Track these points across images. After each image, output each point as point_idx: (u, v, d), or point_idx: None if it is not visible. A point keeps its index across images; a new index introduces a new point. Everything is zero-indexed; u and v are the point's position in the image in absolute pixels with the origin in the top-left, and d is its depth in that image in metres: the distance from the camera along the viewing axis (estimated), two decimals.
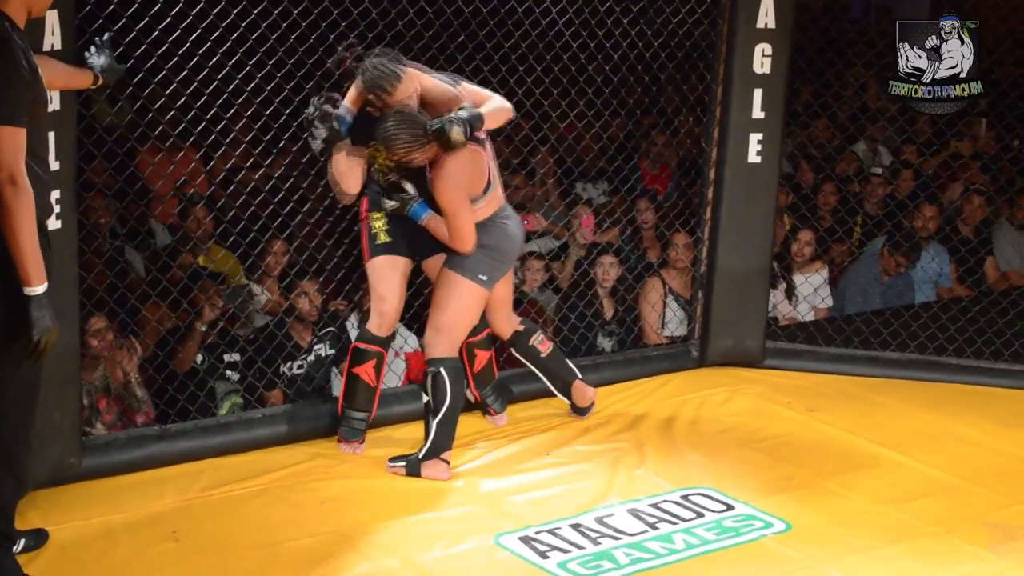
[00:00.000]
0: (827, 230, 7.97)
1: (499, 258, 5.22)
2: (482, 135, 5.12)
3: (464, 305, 5.19)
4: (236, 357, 6.16)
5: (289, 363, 6.19)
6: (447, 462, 5.15)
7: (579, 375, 5.85)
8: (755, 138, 6.36)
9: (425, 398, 5.17)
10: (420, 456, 5.13)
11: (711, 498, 5.04)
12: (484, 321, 5.57)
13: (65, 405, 4.81)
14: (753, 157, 6.38)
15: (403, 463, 5.16)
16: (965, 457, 5.55)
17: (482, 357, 5.65)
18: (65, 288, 4.56)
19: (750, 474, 5.30)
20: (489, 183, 5.17)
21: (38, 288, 3.79)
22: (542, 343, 5.73)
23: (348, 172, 5.20)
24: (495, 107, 5.11)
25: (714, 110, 6.44)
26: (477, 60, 6.09)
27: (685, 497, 5.03)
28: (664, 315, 7.18)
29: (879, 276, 7.88)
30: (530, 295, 7.00)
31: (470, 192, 5.09)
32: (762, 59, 6.30)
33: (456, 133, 4.88)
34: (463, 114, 4.93)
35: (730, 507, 4.96)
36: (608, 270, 7.02)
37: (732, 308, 6.54)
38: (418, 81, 5.06)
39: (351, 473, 5.18)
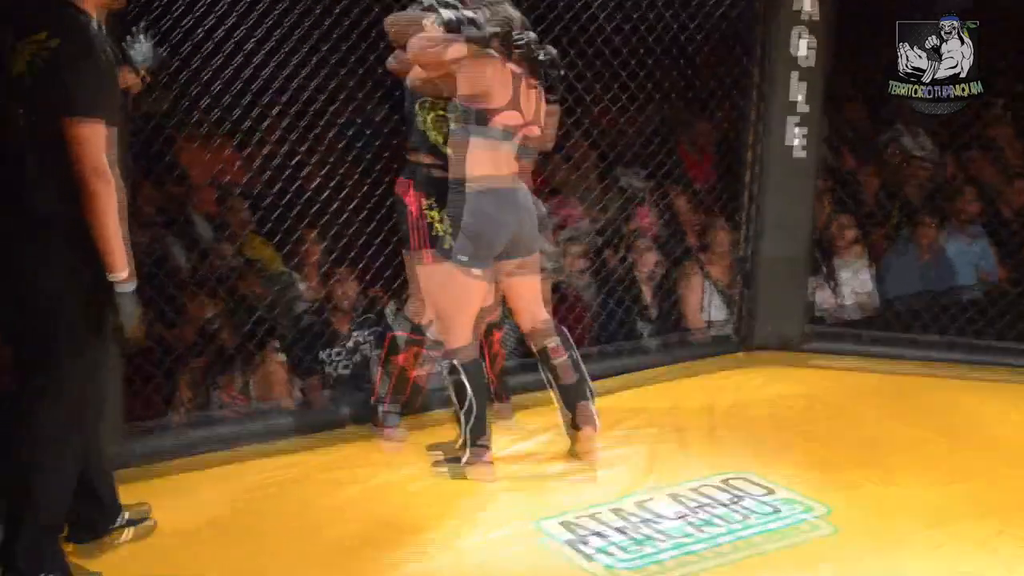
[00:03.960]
0: (866, 215, 7.92)
1: (476, 239, 4.91)
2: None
3: (450, 288, 5.00)
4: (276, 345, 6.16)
5: (328, 351, 6.20)
6: (490, 463, 5.05)
7: (588, 397, 5.26)
8: (792, 121, 6.34)
9: (449, 392, 5.12)
10: (463, 460, 5.03)
11: (751, 482, 5.02)
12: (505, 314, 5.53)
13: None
14: (792, 141, 6.36)
15: (445, 468, 5.09)
16: (1007, 443, 5.52)
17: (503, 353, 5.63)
18: None
19: (790, 459, 5.28)
20: (508, 107, 4.93)
21: (123, 274, 3.84)
22: (555, 351, 5.24)
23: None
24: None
25: (751, 95, 6.43)
26: None
27: (725, 481, 5.02)
28: (704, 300, 7.16)
29: (918, 257, 7.83)
30: (568, 282, 6.99)
31: (472, 90, 4.87)
32: (800, 43, 6.27)
33: (541, 54, 4.91)
34: (552, 50, 4.99)
35: (770, 491, 4.95)
36: (644, 255, 6.99)
37: (772, 293, 6.54)
38: None
39: (392, 460, 5.21)
